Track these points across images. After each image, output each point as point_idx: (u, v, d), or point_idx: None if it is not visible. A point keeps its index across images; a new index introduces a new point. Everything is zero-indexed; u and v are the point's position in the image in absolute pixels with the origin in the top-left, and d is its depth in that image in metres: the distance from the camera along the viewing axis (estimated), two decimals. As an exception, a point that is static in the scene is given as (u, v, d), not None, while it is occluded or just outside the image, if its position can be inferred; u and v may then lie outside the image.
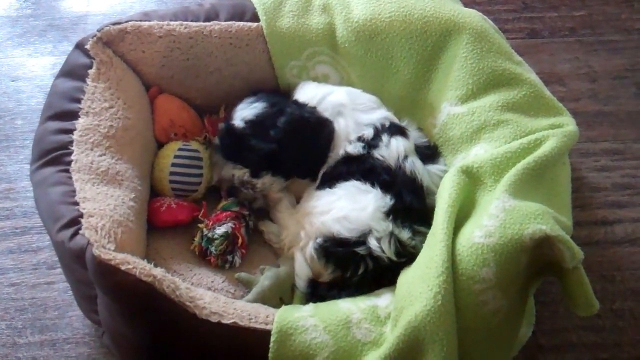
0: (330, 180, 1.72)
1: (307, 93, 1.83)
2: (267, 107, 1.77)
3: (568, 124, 1.65)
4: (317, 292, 1.65)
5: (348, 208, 1.64)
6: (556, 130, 1.61)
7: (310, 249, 1.66)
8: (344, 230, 1.62)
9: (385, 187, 1.65)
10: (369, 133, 1.73)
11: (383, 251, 1.59)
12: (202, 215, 1.79)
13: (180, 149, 1.86)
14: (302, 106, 1.78)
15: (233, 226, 1.75)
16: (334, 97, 1.80)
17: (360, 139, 1.73)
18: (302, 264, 1.68)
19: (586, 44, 2.41)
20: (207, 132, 1.94)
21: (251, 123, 1.76)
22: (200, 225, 1.78)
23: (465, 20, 1.77)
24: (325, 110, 1.79)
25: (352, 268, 1.62)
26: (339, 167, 1.73)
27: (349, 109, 1.78)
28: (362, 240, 1.61)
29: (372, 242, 1.60)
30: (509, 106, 1.68)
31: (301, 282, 1.67)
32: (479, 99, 1.72)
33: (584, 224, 1.93)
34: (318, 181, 1.76)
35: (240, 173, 1.80)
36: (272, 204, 1.85)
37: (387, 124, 1.76)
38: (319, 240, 1.65)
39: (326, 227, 1.65)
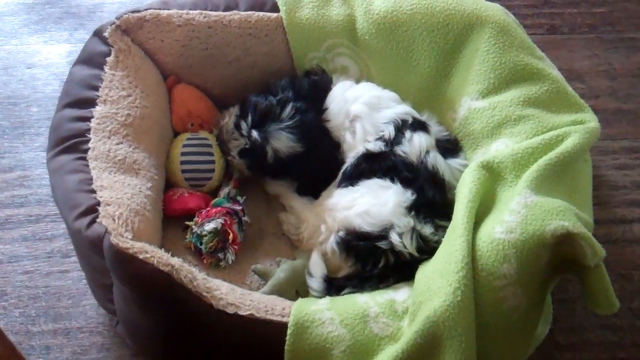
0: (351, 178, 1.71)
1: (335, 111, 1.79)
2: (302, 148, 1.75)
3: (590, 121, 1.64)
4: (335, 283, 1.63)
5: (370, 203, 1.63)
6: (578, 127, 1.60)
7: (331, 243, 1.65)
8: (365, 225, 1.61)
9: (406, 183, 1.64)
10: (389, 132, 1.72)
11: (405, 246, 1.58)
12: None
13: (188, 139, 1.85)
14: (326, 154, 1.79)
15: (223, 222, 1.73)
16: (353, 108, 1.77)
17: (380, 139, 1.72)
18: (318, 262, 1.67)
19: (606, 41, 2.39)
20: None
21: (278, 161, 1.77)
22: (189, 223, 1.76)
23: (488, 14, 1.76)
24: (344, 120, 1.78)
25: (372, 262, 1.61)
26: (361, 165, 1.71)
27: (366, 116, 1.75)
28: (383, 234, 1.60)
29: (394, 237, 1.59)
30: (531, 101, 1.67)
31: (315, 281, 1.64)
32: (501, 94, 1.71)
33: (602, 222, 1.91)
34: (338, 178, 1.75)
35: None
36: (284, 195, 1.87)
37: (409, 119, 1.75)
38: (341, 233, 1.64)
39: (348, 221, 1.64)
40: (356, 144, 1.75)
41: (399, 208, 1.61)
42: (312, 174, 1.79)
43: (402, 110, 1.77)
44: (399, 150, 1.68)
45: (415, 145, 1.68)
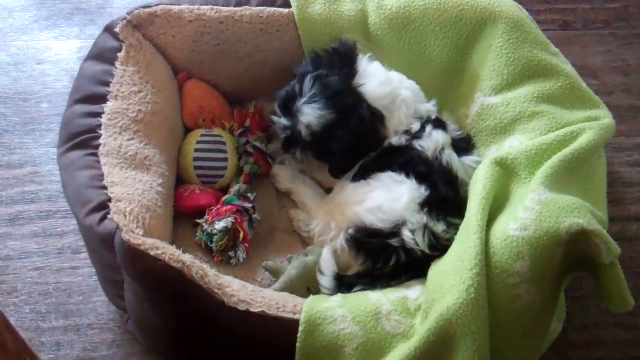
0: (366, 172, 1.70)
1: (377, 81, 1.73)
2: (333, 114, 1.68)
3: (604, 117, 1.63)
4: (345, 280, 1.62)
5: (382, 198, 1.62)
6: (592, 123, 1.59)
7: (341, 240, 1.65)
8: (377, 221, 1.60)
9: (421, 178, 1.63)
10: (416, 126, 1.71)
11: (417, 243, 1.57)
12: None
13: (202, 135, 1.85)
14: (364, 119, 1.70)
15: (234, 220, 1.73)
16: (403, 92, 1.74)
17: (407, 132, 1.71)
18: (328, 260, 1.65)
19: (620, 37, 2.37)
20: (234, 122, 1.93)
21: (315, 135, 1.71)
22: (200, 220, 1.76)
23: (501, 9, 1.75)
24: (391, 102, 1.72)
25: (383, 259, 1.60)
26: (378, 158, 1.70)
27: (411, 104, 1.74)
28: (395, 231, 1.59)
29: (406, 234, 1.58)
30: (545, 97, 1.66)
31: (326, 279, 1.63)
32: (514, 90, 1.70)
33: (616, 219, 1.88)
34: (354, 171, 1.73)
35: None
36: (295, 191, 1.86)
37: (432, 116, 1.75)
38: (351, 230, 1.63)
39: (359, 217, 1.63)
40: (390, 129, 1.73)
41: (412, 204, 1.60)
42: (354, 143, 1.71)
43: (429, 107, 1.78)
44: (417, 144, 1.68)
45: (432, 140, 1.68)
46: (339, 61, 1.75)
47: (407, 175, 1.64)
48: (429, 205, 1.61)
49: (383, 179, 1.66)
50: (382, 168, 1.68)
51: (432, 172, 1.64)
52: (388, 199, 1.62)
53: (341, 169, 1.77)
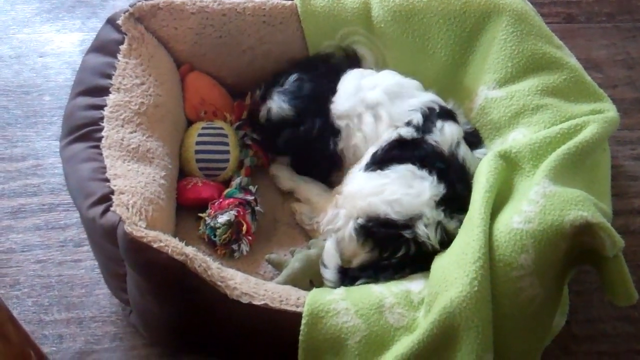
0: (380, 163, 1.67)
1: (342, 98, 1.77)
2: (292, 112, 1.78)
3: (609, 110, 1.62)
4: (348, 273, 1.62)
5: (401, 192, 1.61)
6: (597, 116, 1.58)
7: (349, 229, 1.63)
8: (393, 213, 1.59)
9: (440, 176, 1.62)
10: (417, 118, 1.69)
11: (429, 238, 1.57)
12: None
13: (204, 127, 1.84)
14: (312, 130, 1.76)
15: (236, 214, 1.72)
16: (370, 95, 1.75)
17: (409, 124, 1.69)
18: (332, 253, 1.64)
19: (624, 30, 2.36)
20: (233, 114, 1.92)
21: (269, 122, 1.81)
22: (202, 214, 1.75)
23: (505, 1, 1.74)
24: (360, 107, 1.75)
25: (392, 249, 1.60)
26: (392, 151, 1.68)
27: (386, 104, 1.73)
28: (409, 224, 1.58)
29: (421, 227, 1.57)
30: (549, 91, 1.66)
31: (329, 272, 1.62)
32: (518, 83, 1.69)
33: (620, 213, 1.87)
34: (367, 160, 1.70)
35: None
36: (298, 189, 1.85)
37: (436, 107, 1.72)
38: (360, 220, 1.62)
39: (372, 208, 1.61)
40: (381, 131, 1.72)
41: (431, 201, 1.60)
42: (298, 148, 1.79)
43: (428, 98, 1.75)
44: (431, 139, 1.66)
45: (446, 135, 1.66)
46: (332, 76, 1.82)
47: (430, 172, 1.62)
48: (445, 202, 1.60)
49: (402, 172, 1.64)
50: (399, 160, 1.65)
51: (449, 169, 1.63)
52: (408, 193, 1.60)
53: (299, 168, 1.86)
